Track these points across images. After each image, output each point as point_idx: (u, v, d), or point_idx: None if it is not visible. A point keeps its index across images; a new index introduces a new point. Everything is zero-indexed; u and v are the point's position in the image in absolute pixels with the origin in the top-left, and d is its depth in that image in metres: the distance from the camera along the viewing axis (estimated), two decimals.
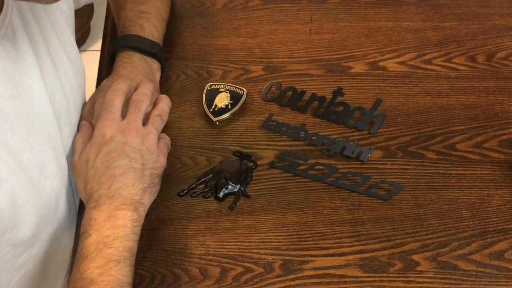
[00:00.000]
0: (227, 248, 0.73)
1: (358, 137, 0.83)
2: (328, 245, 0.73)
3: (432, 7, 0.99)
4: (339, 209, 0.76)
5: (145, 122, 0.75)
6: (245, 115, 0.86)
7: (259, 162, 0.81)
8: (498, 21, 0.97)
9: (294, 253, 0.73)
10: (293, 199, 0.77)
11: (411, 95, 0.87)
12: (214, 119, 0.84)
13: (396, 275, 0.71)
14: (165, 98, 0.80)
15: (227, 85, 0.87)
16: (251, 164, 0.81)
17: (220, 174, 0.79)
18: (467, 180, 0.78)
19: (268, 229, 0.75)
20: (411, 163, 0.80)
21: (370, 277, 0.71)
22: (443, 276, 0.70)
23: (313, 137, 0.82)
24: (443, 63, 0.91)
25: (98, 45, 1.85)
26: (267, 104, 0.87)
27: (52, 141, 0.70)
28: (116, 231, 0.65)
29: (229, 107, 0.85)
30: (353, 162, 0.80)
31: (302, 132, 0.83)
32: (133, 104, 0.75)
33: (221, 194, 0.77)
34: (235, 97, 0.86)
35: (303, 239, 0.74)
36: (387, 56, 0.92)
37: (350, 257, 0.72)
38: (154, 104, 0.79)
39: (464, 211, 0.76)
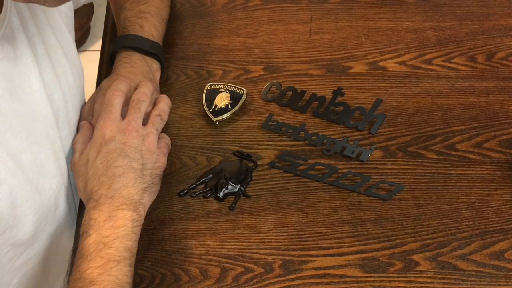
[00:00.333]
0: (227, 248, 0.73)
1: (358, 137, 0.83)
2: (328, 245, 0.73)
3: (432, 7, 0.99)
4: (339, 209, 0.76)
5: (145, 122, 0.75)
6: (245, 115, 0.86)
7: (259, 162, 0.81)
8: (498, 21, 0.97)
9: (294, 253, 0.73)
10: (293, 199, 0.77)
11: (411, 95, 0.87)
12: (214, 119, 0.84)
13: (396, 275, 0.71)
14: (165, 98, 0.80)
15: (227, 85, 0.87)
16: (251, 164, 0.81)
17: (220, 174, 0.79)
18: (467, 180, 0.78)
19: (268, 229, 0.75)
20: (411, 163, 0.80)
21: (370, 277, 0.71)
22: (443, 276, 0.70)
23: (313, 137, 0.82)
24: (443, 63, 0.91)
25: (98, 45, 1.84)
26: (267, 104, 0.87)
27: (51, 141, 0.70)
28: (116, 231, 0.65)
29: (229, 107, 0.85)
30: (353, 162, 0.80)
31: (302, 132, 0.83)
32: (133, 104, 0.75)
33: (221, 194, 0.77)
34: (235, 97, 0.86)
35: (303, 239, 0.74)
36: (387, 56, 0.92)
37: (350, 257, 0.72)
38: (154, 104, 0.79)
39: (464, 211, 0.75)
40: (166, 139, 0.78)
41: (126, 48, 0.85)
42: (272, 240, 0.74)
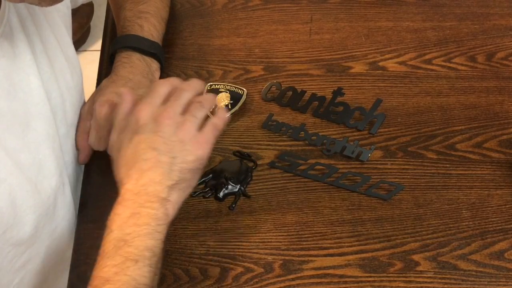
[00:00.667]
0: (227, 248, 0.73)
1: (358, 137, 0.83)
2: (328, 245, 0.73)
3: (432, 7, 0.99)
4: (339, 209, 0.76)
5: None
6: (245, 115, 0.86)
7: (259, 162, 0.81)
8: (498, 21, 0.97)
9: (294, 253, 0.73)
10: (293, 199, 0.77)
11: (411, 95, 0.87)
12: None
13: (396, 275, 0.71)
14: (211, 95, 0.75)
15: (227, 85, 0.87)
16: (251, 164, 0.81)
17: (220, 174, 0.79)
18: (467, 180, 0.78)
19: (268, 229, 0.75)
20: (411, 163, 0.80)
21: (370, 277, 0.71)
22: (443, 276, 0.70)
23: (313, 137, 0.82)
24: (443, 63, 0.91)
25: (98, 45, 1.84)
26: (267, 104, 0.87)
27: (49, 140, 0.70)
28: (138, 229, 0.62)
29: (229, 107, 0.85)
30: (353, 162, 0.80)
31: (302, 132, 0.83)
32: (175, 92, 0.70)
33: (221, 194, 0.77)
34: (235, 97, 0.86)
35: (303, 239, 0.74)
36: (387, 56, 0.92)
37: (350, 257, 0.72)
38: None
39: (464, 211, 0.75)
40: (216, 121, 0.69)
41: (125, 48, 0.85)
42: (272, 240, 0.74)
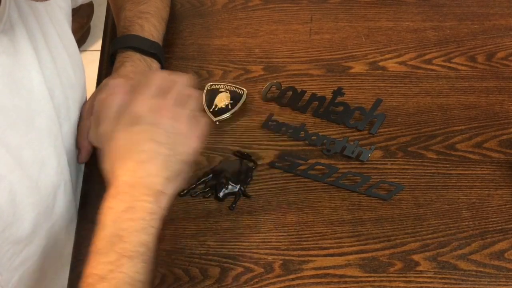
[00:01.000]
0: (227, 248, 0.73)
1: (358, 137, 0.83)
2: (328, 245, 0.73)
3: (432, 7, 0.99)
4: (339, 209, 0.76)
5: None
6: (245, 115, 0.86)
7: (259, 162, 0.81)
8: (498, 21, 0.97)
9: (294, 253, 0.73)
10: (293, 199, 0.77)
11: (411, 95, 0.87)
12: (214, 119, 0.84)
13: (396, 275, 0.71)
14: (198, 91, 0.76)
15: (227, 85, 0.87)
16: (251, 164, 0.81)
17: (220, 174, 0.79)
18: (467, 180, 0.78)
19: (268, 229, 0.75)
20: (411, 163, 0.80)
21: (370, 277, 0.71)
22: (443, 276, 0.70)
23: (313, 137, 0.82)
24: (443, 63, 0.91)
25: (98, 45, 1.84)
26: (267, 104, 0.87)
27: (52, 137, 0.70)
28: (133, 223, 0.61)
29: (229, 107, 0.85)
30: (353, 162, 0.80)
31: (302, 132, 0.83)
32: (168, 85, 0.69)
33: (221, 194, 0.77)
34: (235, 97, 0.86)
35: (303, 239, 0.74)
36: (387, 56, 0.92)
37: (350, 257, 0.72)
38: None
39: (464, 211, 0.76)
40: (206, 119, 0.71)
41: (126, 48, 0.85)
42: (272, 240, 0.74)
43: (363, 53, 0.93)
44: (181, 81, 0.70)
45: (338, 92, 0.86)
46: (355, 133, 0.83)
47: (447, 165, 0.80)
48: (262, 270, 0.72)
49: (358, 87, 0.89)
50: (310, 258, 0.72)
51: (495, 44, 0.93)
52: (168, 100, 0.67)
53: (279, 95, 0.87)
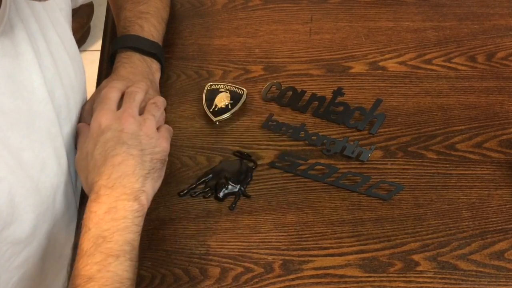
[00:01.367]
0: (227, 248, 0.73)
1: (358, 137, 0.83)
2: (328, 245, 0.73)
3: (432, 7, 0.99)
4: (339, 209, 0.76)
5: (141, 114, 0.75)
6: (245, 115, 0.86)
7: (259, 162, 0.81)
8: (498, 21, 0.97)
9: (294, 253, 0.73)
10: (293, 199, 0.77)
11: (411, 95, 0.87)
12: (214, 119, 0.84)
13: (396, 275, 0.71)
14: (160, 97, 0.80)
15: (227, 85, 0.87)
16: (251, 164, 0.81)
17: (220, 174, 0.79)
18: (467, 180, 0.78)
19: (268, 229, 0.75)
20: (411, 163, 0.80)
21: (370, 277, 0.71)
22: (443, 276, 0.70)
23: (313, 137, 0.82)
24: (443, 63, 0.91)
25: (98, 45, 1.84)
26: (267, 104, 0.87)
27: (52, 139, 0.70)
28: (116, 223, 0.64)
29: (229, 107, 0.85)
30: (353, 162, 0.80)
31: (302, 132, 0.83)
32: (128, 95, 0.75)
33: (221, 194, 0.77)
34: (235, 97, 0.86)
35: (303, 239, 0.74)
36: (387, 56, 0.92)
37: (350, 257, 0.72)
38: None
39: (464, 211, 0.76)
40: (167, 126, 0.77)
41: (126, 48, 0.85)
42: (272, 240, 0.74)
43: (363, 53, 0.93)
44: (138, 90, 0.75)
45: (338, 92, 0.86)
46: (355, 133, 0.84)
47: (447, 165, 0.80)
48: (262, 270, 0.72)
49: (358, 87, 0.89)
50: (310, 258, 0.72)
51: (495, 44, 0.93)
52: (130, 109, 0.72)
53: (279, 95, 0.87)
